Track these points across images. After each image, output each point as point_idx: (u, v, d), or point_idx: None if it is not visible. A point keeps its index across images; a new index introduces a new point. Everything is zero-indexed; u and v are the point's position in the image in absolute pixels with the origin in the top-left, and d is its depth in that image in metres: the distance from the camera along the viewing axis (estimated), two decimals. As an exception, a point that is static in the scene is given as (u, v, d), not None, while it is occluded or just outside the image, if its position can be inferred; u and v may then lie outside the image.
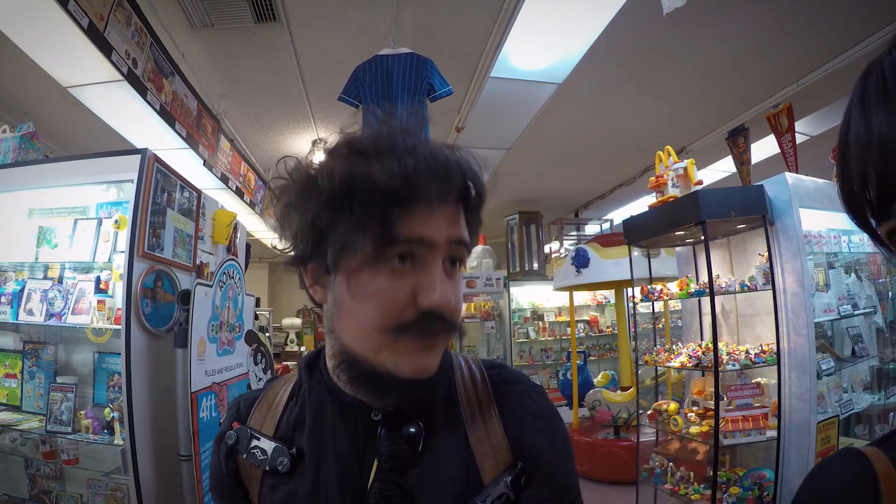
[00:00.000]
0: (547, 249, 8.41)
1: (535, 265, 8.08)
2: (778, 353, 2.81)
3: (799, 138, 4.49)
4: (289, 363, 8.01)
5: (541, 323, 8.35)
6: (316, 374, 0.81)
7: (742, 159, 4.81)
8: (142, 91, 3.00)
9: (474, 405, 0.78)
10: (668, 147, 3.23)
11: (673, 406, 3.26)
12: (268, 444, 0.78)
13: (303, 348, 10.13)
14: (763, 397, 2.95)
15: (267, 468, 0.77)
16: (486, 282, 7.77)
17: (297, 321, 10.34)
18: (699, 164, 5.93)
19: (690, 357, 3.18)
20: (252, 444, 0.79)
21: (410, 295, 0.65)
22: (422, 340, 0.66)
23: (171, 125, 3.40)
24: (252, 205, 5.40)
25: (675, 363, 3.26)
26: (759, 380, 3.04)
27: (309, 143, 5.04)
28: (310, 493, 0.73)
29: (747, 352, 3.01)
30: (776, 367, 2.82)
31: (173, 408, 2.17)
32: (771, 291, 2.76)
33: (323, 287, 0.72)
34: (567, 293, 6.34)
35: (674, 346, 3.56)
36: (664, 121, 4.94)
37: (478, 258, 8.16)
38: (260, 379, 2.87)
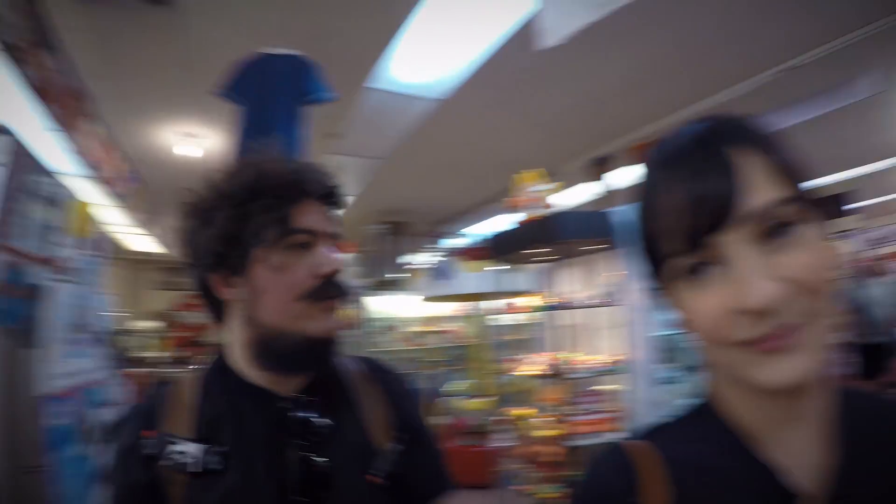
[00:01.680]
0: (412, 260, 8.53)
1: (399, 275, 8.15)
2: (623, 363, 3.10)
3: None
4: (142, 369, 7.40)
5: (402, 333, 8.44)
6: (226, 372, 0.89)
7: (603, 186, 5.22)
8: (11, 61, 2.64)
9: (363, 389, 0.95)
10: (534, 170, 3.45)
11: (528, 412, 3.46)
12: (193, 447, 0.81)
13: (158, 354, 9.41)
14: (609, 404, 3.23)
15: (199, 470, 0.80)
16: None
17: (155, 324, 9.59)
18: (568, 187, 6.32)
19: (543, 366, 3.41)
20: (172, 450, 0.81)
21: (313, 267, 0.84)
22: (326, 303, 0.85)
23: (39, 103, 3.02)
24: (119, 197, 4.94)
25: (531, 371, 3.47)
26: (606, 387, 3.32)
27: (183, 135, 4.73)
28: (242, 485, 0.79)
29: (594, 362, 3.29)
30: (622, 375, 3.11)
31: (16, 414, 1.96)
32: (618, 307, 3.05)
33: (233, 286, 0.85)
34: (430, 304, 6.44)
35: (530, 356, 3.78)
36: (536, 145, 5.18)
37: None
38: (118, 384, 2.65)
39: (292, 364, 0.86)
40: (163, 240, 7.70)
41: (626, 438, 0.62)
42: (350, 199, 6.60)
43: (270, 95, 3.05)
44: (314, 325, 0.84)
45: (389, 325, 8.35)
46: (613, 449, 0.61)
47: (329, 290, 0.85)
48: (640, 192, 0.56)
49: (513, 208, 3.45)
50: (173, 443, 0.81)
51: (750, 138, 0.51)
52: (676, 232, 0.50)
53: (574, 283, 3.68)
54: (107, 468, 0.87)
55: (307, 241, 0.85)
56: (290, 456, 0.82)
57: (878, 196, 9.66)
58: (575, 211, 3.49)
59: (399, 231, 8.07)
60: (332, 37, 3.41)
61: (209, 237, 0.83)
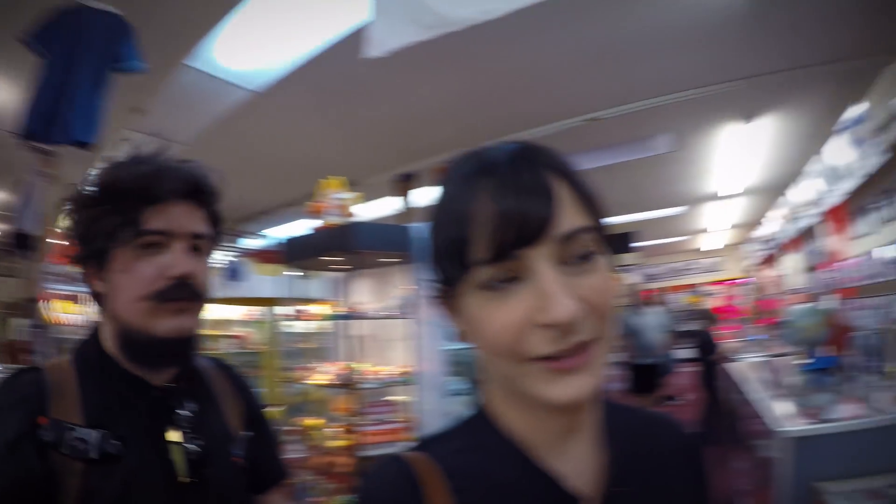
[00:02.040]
0: (205, 258, 7.94)
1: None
2: (413, 374, 3.16)
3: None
4: None
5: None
6: (102, 358, 0.91)
7: (407, 202, 5.33)
8: None
9: (218, 384, 1.06)
10: (339, 177, 3.40)
11: (317, 422, 3.38)
12: (88, 433, 0.81)
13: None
14: (398, 414, 3.28)
15: (97, 457, 0.80)
16: None
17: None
18: (369, 199, 6.34)
19: (333, 375, 3.36)
20: (72, 437, 0.80)
21: (162, 268, 0.87)
22: (176, 304, 0.89)
23: None
24: None
25: (319, 381, 3.41)
26: (395, 398, 3.36)
27: None
28: (139, 470, 0.84)
29: (384, 373, 3.31)
30: (412, 386, 3.18)
31: None
32: (409, 321, 3.11)
33: (101, 280, 0.90)
34: (217, 306, 6.09)
35: (318, 365, 3.70)
36: (346, 153, 5.15)
37: None
38: None
39: (151, 359, 0.92)
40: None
41: (404, 450, 0.61)
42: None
43: (79, 53, 2.70)
44: (162, 324, 0.88)
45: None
46: (393, 460, 0.59)
47: (178, 292, 0.88)
48: (446, 199, 0.55)
49: (314, 214, 3.36)
50: (72, 430, 0.81)
51: (560, 167, 0.54)
52: (487, 241, 0.49)
53: (367, 293, 3.68)
54: None
55: (159, 242, 0.88)
56: (172, 441, 0.90)
57: (658, 238, 11.30)
58: (373, 223, 3.51)
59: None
60: (153, 4, 3.04)
61: (74, 234, 0.90)
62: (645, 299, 7.21)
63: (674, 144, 5.27)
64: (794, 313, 3.97)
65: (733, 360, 5.69)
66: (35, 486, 0.77)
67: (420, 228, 3.22)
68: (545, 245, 0.49)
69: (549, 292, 0.48)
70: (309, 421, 3.40)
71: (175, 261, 0.88)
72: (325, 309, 3.50)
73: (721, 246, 13.21)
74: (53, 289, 6.45)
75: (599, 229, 0.54)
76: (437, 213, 0.56)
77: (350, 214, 3.27)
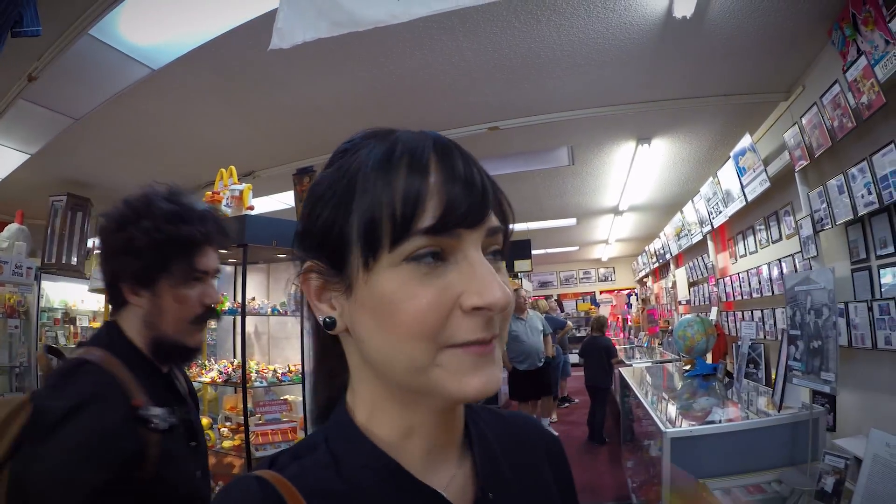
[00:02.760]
0: (90, 244, 7.40)
1: (75, 259, 6.95)
2: (303, 373, 3.09)
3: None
4: None
5: (73, 327, 7.21)
6: (135, 353, 1.15)
7: (301, 196, 5.18)
8: None
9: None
10: (232, 167, 3.27)
11: (206, 421, 3.24)
12: (160, 410, 1.06)
13: None
14: (291, 412, 3.19)
15: (167, 427, 1.05)
16: (15, 270, 6.31)
17: None
18: (265, 192, 6.11)
19: (221, 373, 3.23)
20: (153, 414, 1.04)
21: (202, 298, 1.20)
22: (203, 324, 1.23)
23: None
24: None
25: (206, 378, 3.27)
26: (286, 397, 3.28)
27: None
28: (183, 436, 1.17)
29: (275, 370, 3.22)
30: (301, 385, 3.10)
31: None
32: (298, 318, 3.03)
33: (139, 296, 1.15)
34: (98, 295, 5.72)
35: (206, 363, 3.55)
36: (243, 141, 4.94)
37: (9, 239, 6.56)
38: None
39: (175, 359, 1.25)
40: None
41: (259, 468, 0.54)
42: (27, 158, 5.56)
43: None
44: (195, 339, 1.22)
45: (59, 318, 7.13)
46: (253, 481, 0.51)
47: (209, 315, 1.23)
48: (368, 169, 0.50)
49: (210, 203, 3.21)
50: (150, 409, 1.05)
51: (481, 167, 0.53)
52: (433, 213, 0.47)
53: (258, 289, 3.58)
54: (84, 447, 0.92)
55: (202, 278, 1.20)
56: (181, 414, 1.15)
57: (553, 247, 11.71)
58: (267, 217, 3.40)
59: (84, 208, 6.94)
60: None
61: (129, 259, 1.11)
62: (533, 305, 7.45)
63: (571, 159, 5.47)
64: (679, 323, 4.21)
65: (624, 365, 5.99)
66: (138, 455, 0.99)
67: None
68: (478, 231, 0.49)
69: (486, 275, 0.47)
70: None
71: (210, 292, 1.23)
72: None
73: (613, 257, 13.88)
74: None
75: (507, 233, 0.54)
76: (344, 183, 0.51)
77: (247, 206, 3.15)
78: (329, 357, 0.60)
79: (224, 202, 3.12)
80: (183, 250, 1.15)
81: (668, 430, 2.51)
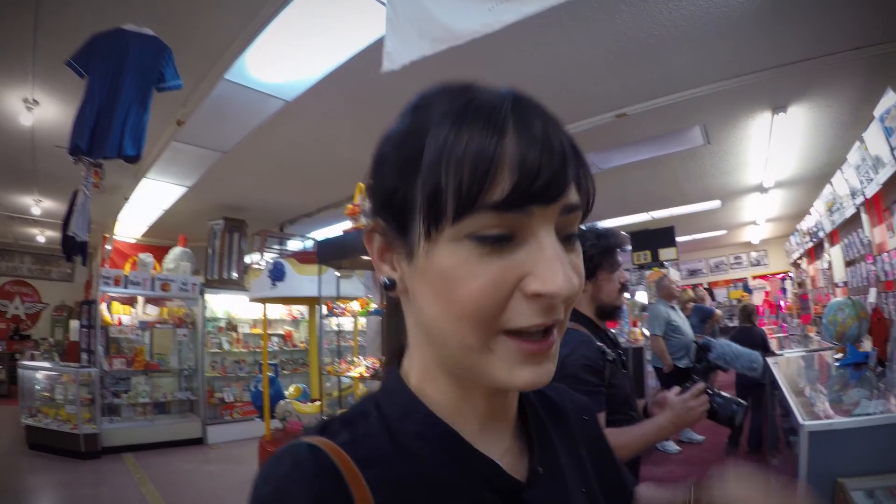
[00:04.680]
0: (248, 260, 8.25)
1: (235, 274, 7.83)
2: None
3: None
4: None
5: (235, 334, 8.11)
6: (587, 321, 1.87)
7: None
8: None
9: None
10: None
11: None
12: (607, 348, 1.75)
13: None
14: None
15: (612, 359, 1.76)
16: (181, 286, 7.32)
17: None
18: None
19: (368, 368, 3.50)
20: (606, 349, 1.73)
21: (619, 278, 1.88)
22: (623, 293, 1.91)
23: None
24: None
25: (355, 373, 3.55)
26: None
27: (20, 99, 4.21)
28: (621, 364, 1.83)
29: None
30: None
31: None
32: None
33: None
34: (258, 304, 6.30)
35: (354, 359, 3.85)
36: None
37: (175, 260, 7.60)
38: None
39: (610, 317, 1.90)
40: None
41: (308, 435, 0.51)
42: (185, 190, 6.30)
43: (122, 73, 2.94)
44: (620, 302, 1.89)
45: (222, 326, 8.02)
46: (305, 449, 0.48)
47: (624, 289, 1.89)
48: (440, 132, 0.45)
49: (351, 216, 3.52)
50: (605, 348, 1.69)
51: (568, 134, 0.49)
52: (505, 187, 0.43)
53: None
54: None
55: (617, 268, 1.88)
56: (616, 352, 1.80)
57: (696, 233, 11.14)
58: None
59: (239, 229, 7.78)
60: (190, 21, 3.27)
61: (587, 252, 1.63)
62: (682, 296, 7.03)
63: (706, 137, 5.23)
64: (828, 307, 3.91)
65: (775, 355, 5.57)
66: (602, 368, 1.65)
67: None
68: (553, 209, 0.45)
69: (553, 261, 0.44)
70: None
71: (623, 274, 1.92)
72: (358, 305, 3.64)
73: (764, 239, 12.88)
74: (109, 292, 6.85)
75: (586, 213, 0.50)
76: (411, 143, 0.47)
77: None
78: (397, 319, 0.58)
79: (363, 213, 3.40)
80: (610, 253, 1.80)
81: (805, 424, 2.34)
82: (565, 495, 0.57)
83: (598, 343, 1.70)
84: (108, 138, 2.94)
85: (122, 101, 2.94)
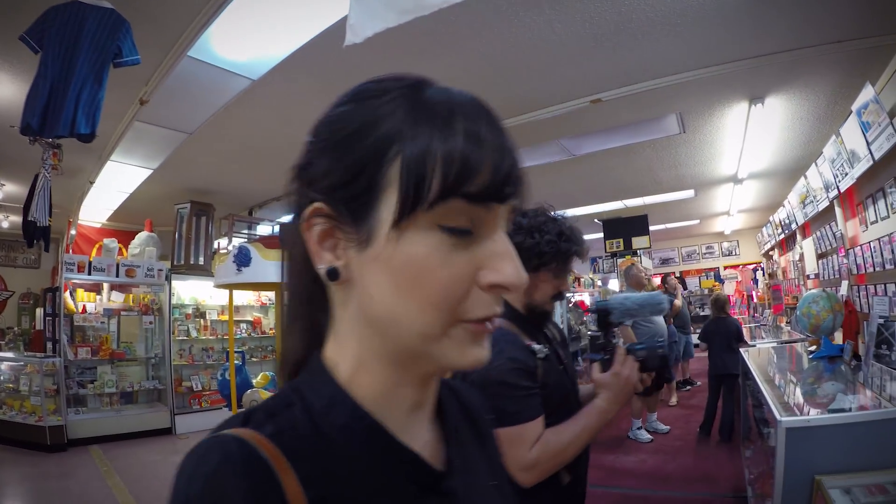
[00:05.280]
0: (216, 245, 8.05)
1: (202, 260, 7.61)
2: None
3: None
4: None
5: (203, 321, 7.93)
6: (519, 317, 1.67)
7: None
8: None
9: None
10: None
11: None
12: (539, 346, 1.56)
13: None
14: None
15: (545, 356, 1.56)
16: (147, 272, 7.13)
17: None
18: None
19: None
20: (536, 347, 1.55)
21: (560, 285, 1.71)
22: (555, 301, 1.74)
23: None
24: None
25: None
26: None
27: None
28: (558, 365, 1.68)
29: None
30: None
31: None
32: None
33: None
34: (223, 290, 6.17)
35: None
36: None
37: (140, 246, 7.38)
38: None
39: (541, 318, 1.72)
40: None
41: (229, 426, 0.48)
42: (151, 173, 6.10)
43: (77, 49, 2.80)
44: (549, 307, 1.71)
45: (190, 313, 7.85)
46: (231, 441, 0.45)
47: (558, 297, 1.71)
48: (424, 114, 0.47)
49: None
50: (535, 345, 1.53)
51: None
52: (476, 179, 0.45)
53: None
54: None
55: (564, 275, 1.68)
56: (551, 349, 1.63)
57: (669, 222, 11.17)
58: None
59: (207, 213, 7.57)
60: None
61: (540, 246, 1.54)
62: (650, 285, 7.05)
63: (682, 126, 5.18)
64: (803, 299, 3.89)
65: (747, 346, 5.59)
66: (534, 369, 1.50)
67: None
68: (506, 208, 0.49)
69: (508, 254, 0.48)
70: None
71: (566, 282, 1.76)
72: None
73: (736, 229, 13.03)
74: (73, 279, 6.63)
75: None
76: (382, 127, 0.47)
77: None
78: (315, 307, 0.56)
79: (290, 197, 3.29)
80: (564, 258, 1.59)
81: (783, 420, 2.29)
82: (478, 486, 0.60)
83: (527, 342, 1.53)
84: (61, 116, 2.80)
85: (76, 76, 2.79)
